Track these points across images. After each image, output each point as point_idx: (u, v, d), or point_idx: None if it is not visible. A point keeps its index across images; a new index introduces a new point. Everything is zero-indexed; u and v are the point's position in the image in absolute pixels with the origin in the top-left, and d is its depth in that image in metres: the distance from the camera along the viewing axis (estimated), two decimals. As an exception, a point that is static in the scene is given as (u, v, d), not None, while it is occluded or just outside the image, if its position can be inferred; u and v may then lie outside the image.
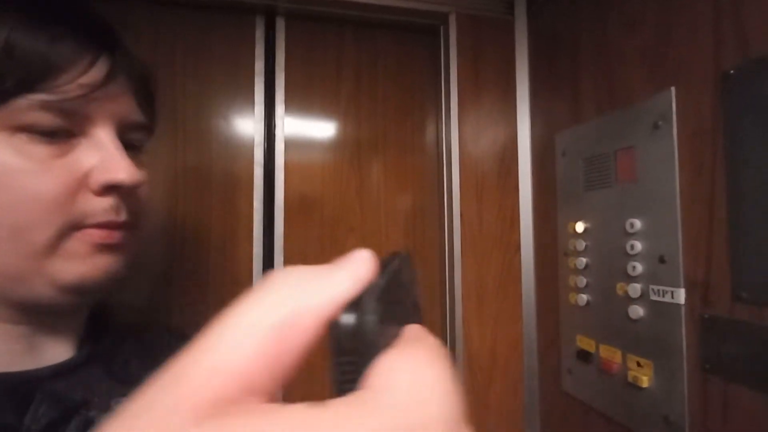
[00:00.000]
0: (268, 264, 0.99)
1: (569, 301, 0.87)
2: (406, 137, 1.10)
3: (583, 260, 0.83)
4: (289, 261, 1.00)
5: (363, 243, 1.05)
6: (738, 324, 0.55)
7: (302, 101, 1.04)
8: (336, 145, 1.06)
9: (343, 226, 1.04)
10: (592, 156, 0.81)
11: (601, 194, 0.79)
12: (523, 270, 1.03)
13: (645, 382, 0.68)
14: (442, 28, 1.07)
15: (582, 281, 0.83)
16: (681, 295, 0.62)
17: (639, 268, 0.69)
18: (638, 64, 0.72)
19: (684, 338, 0.62)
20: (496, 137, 1.05)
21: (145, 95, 0.45)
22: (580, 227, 0.84)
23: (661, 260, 0.66)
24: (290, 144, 1.02)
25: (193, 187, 0.96)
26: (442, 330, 1.06)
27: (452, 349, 1.02)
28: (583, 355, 0.83)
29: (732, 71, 0.56)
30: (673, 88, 0.64)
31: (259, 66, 1.01)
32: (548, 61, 0.98)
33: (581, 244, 0.84)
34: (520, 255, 1.03)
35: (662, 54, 0.68)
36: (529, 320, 1.02)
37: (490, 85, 1.05)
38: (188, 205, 0.96)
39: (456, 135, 1.02)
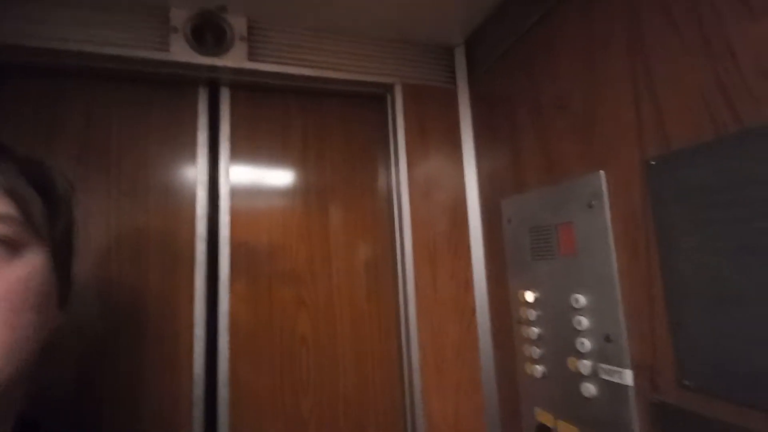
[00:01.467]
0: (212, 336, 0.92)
1: (526, 372, 0.85)
2: (356, 195, 1.08)
3: (536, 330, 0.82)
4: (235, 340, 0.93)
5: (314, 313, 1.00)
6: (685, 413, 0.54)
7: (248, 172, 1.01)
8: (285, 216, 1.02)
9: (294, 299, 0.99)
10: (536, 226, 0.82)
11: (547, 265, 0.79)
12: (480, 336, 1.01)
13: (603, 465, 0.66)
14: (388, 96, 1.10)
15: (536, 352, 0.82)
16: (629, 377, 0.62)
17: (587, 344, 0.69)
18: (571, 141, 0.75)
19: (636, 422, 0.61)
20: (446, 199, 1.05)
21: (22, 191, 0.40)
22: (530, 296, 0.84)
23: (607, 339, 0.66)
24: (236, 217, 0.98)
25: (130, 258, 0.89)
26: (402, 404, 1.01)
27: (412, 420, 0.97)
28: (543, 430, 0.80)
29: (653, 162, 0.59)
30: (602, 172, 0.67)
31: (203, 137, 0.98)
32: (491, 129, 1.01)
33: (533, 314, 0.83)
34: (476, 320, 1.02)
35: (591, 135, 0.71)
36: (490, 389, 0.99)
37: (437, 149, 1.07)
38: (124, 276, 0.88)
39: (407, 199, 1.02)
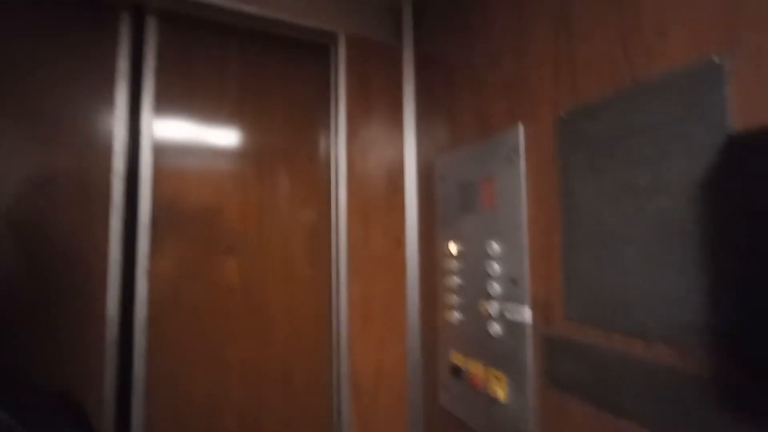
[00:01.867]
0: (128, 290, 0.87)
1: (446, 319, 0.91)
2: (294, 153, 1.06)
3: (457, 280, 0.87)
4: (156, 287, 0.90)
5: (245, 264, 0.99)
6: (569, 342, 0.61)
7: (177, 108, 0.95)
8: (216, 157, 0.98)
9: (221, 245, 0.97)
10: (464, 182, 0.86)
11: (470, 218, 0.84)
12: (408, 290, 1.05)
13: (502, 395, 0.72)
14: (332, 47, 1.07)
15: (455, 300, 0.87)
16: (527, 315, 0.68)
17: (497, 288, 0.74)
18: (500, 98, 0.79)
19: (530, 355, 0.67)
20: (384, 158, 1.07)
21: None
22: (454, 249, 0.88)
23: (513, 281, 0.71)
24: (161, 153, 0.92)
25: (38, 196, 0.81)
26: (329, 355, 1.04)
27: (338, 371, 1.00)
28: (455, 371, 0.86)
29: (563, 115, 0.63)
30: (521, 125, 0.71)
31: (124, 65, 0.90)
32: (431, 88, 1.03)
33: (455, 265, 0.88)
34: (405, 275, 1.05)
35: (516, 91, 0.74)
36: (414, 339, 1.04)
37: (379, 106, 1.07)
38: (32, 216, 0.81)
39: (344, 154, 1.02)
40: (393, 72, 1.09)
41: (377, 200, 1.05)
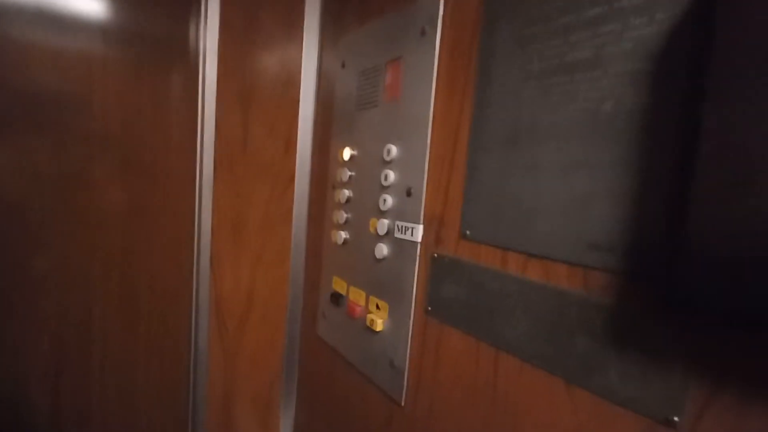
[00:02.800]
0: None
1: (332, 240, 0.76)
2: (155, 31, 0.77)
3: (347, 193, 0.72)
4: None
5: (91, 149, 0.72)
6: (458, 264, 0.50)
7: None
8: (67, 32, 0.66)
9: (72, 133, 0.69)
10: (366, 68, 0.68)
11: (371, 115, 0.67)
12: (296, 205, 0.88)
13: (379, 325, 0.62)
14: None
15: (343, 217, 0.73)
16: (419, 233, 0.56)
17: (389, 201, 0.60)
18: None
19: (416, 279, 0.56)
20: (276, 33, 0.82)
21: None
22: (347, 154, 0.71)
23: (408, 193, 0.57)
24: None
25: None
26: (188, 269, 0.85)
27: (196, 292, 0.83)
28: (335, 298, 0.74)
29: (495, -33, 0.46)
30: (443, -14, 0.53)
31: None
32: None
33: (347, 174, 0.72)
34: (293, 187, 0.88)
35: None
36: (298, 261, 0.90)
37: (275, -37, 0.80)
38: None
39: (216, 21, 0.76)
40: None
41: (261, 89, 0.82)
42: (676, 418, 0.31)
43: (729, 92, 0.25)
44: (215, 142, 0.78)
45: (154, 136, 0.78)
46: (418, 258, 0.56)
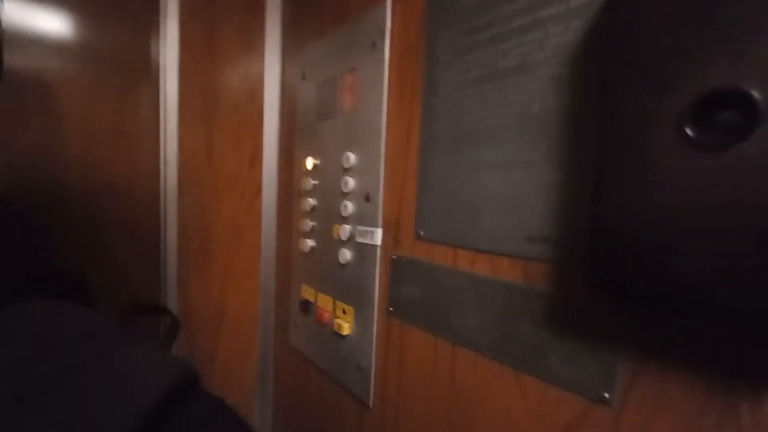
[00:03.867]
0: None
1: (299, 248, 0.77)
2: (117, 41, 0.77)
3: (311, 201, 0.73)
4: None
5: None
6: (414, 264, 0.52)
7: None
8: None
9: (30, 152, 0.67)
10: (324, 80, 0.70)
11: (330, 125, 0.69)
12: (264, 216, 0.88)
13: (346, 329, 0.63)
14: None
15: (309, 225, 0.74)
16: (378, 236, 0.57)
17: (350, 207, 0.62)
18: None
19: (377, 282, 0.58)
20: (237, 48, 0.84)
21: None
22: (310, 163, 0.73)
23: (367, 198, 0.59)
24: None
25: None
26: (155, 287, 0.84)
27: (166, 311, 0.82)
28: (305, 306, 0.75)
29: (434, -18, 0.49)
30: (389, 2, 0.56)
31: None
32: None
33: (311, 183, 0.73)
34: (261, 198, 0.88)
35: (390, -37, 0.58)
36: (269, 272, 0.90)
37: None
38: None
39: (176, 38, 0.77)
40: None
41: (226, 102, 0.83)
42: (607, 395, 0.33)
43: (619, 92, 0.27)
44: (178, 157, 0.78)
45: (117, 155, 0.78)
46: (378, 261, 0.58)
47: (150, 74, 0.80)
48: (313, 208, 0.73)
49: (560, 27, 0.36)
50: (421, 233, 0.51)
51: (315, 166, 0.72)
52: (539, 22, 0.38)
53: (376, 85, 0.57)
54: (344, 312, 0.64)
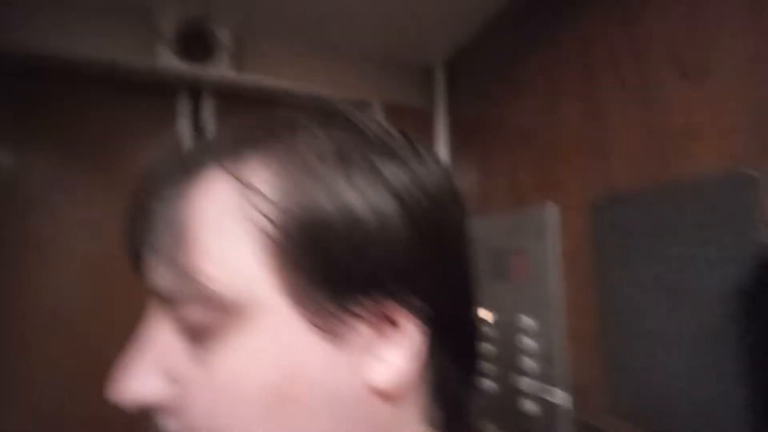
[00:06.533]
0: None
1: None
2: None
3: (488, 347, 0.88)
4: None
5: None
6: None
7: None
8: None
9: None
10: (495, 248, 0.88)
11: (502, 285, 0.85)
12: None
13: (537, 477, 0.71)
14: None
15: (488, 368, 0.88)
16: (563, 397, 0.68)
17: (530, 363, 0.75)
18: (531, 173, 0.81)
19: (566, 438, 0.67)
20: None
21: None
22: (486, 315, 0.89)
23: (548, 360, 0.71)
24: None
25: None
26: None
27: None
28: (489, 443, 0.85)
29: (597, 201, 0.65)
30: (555, 204, 0.73)
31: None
32: (463, 153, 1.07)
33: (486, 332, 0.89)
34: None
35: (548, 169, 0.77)
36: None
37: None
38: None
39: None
40: (425, 136, 1.14)
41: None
42: None
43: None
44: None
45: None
46: (567, 420, 0.67)
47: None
48: (490, 354, 0.87)
49: (712, 266, 0.47)
50: (613, 408, 0.60)
51: (490, 318, 0.88)
52: (696, 257, 0.49)
53: (548, 267, 0.72)
54: (533, 458, 0.73)
